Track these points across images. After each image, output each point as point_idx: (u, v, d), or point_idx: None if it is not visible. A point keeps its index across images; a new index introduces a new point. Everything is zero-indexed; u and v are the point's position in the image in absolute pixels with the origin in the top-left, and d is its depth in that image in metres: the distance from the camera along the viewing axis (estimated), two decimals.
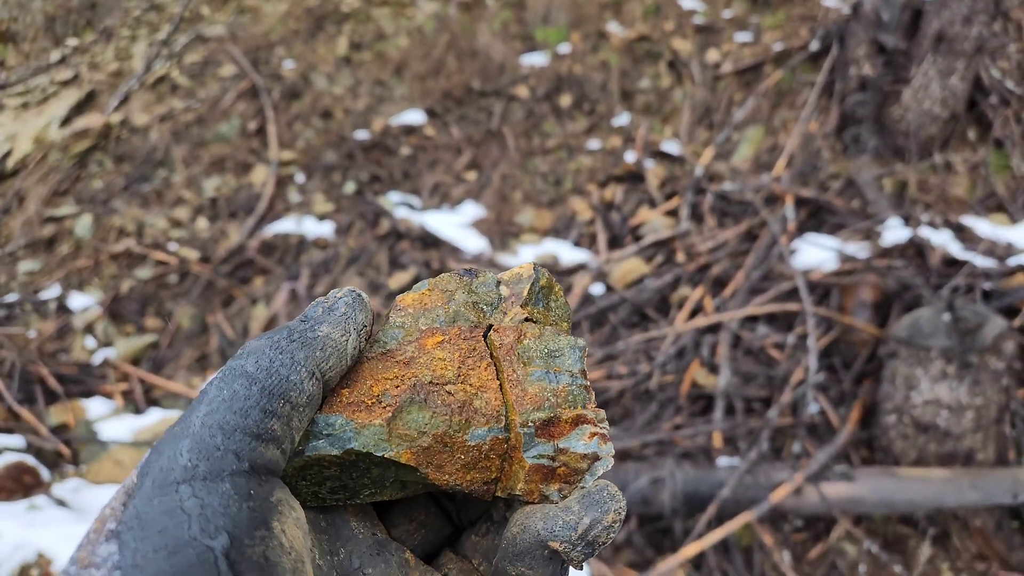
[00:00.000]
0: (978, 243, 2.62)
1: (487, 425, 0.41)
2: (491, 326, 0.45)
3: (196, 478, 0.31)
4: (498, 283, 0.47)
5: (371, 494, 0.42)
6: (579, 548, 0.38)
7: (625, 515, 0.39)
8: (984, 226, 2.75)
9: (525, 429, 0.41)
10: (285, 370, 0.36)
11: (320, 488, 0.40)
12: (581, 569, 0.40)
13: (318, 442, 0.39)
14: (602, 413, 0.43)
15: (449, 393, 0.41)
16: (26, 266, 3.38)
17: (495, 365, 0.44)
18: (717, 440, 2.09)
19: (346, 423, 0.39)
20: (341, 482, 0.41)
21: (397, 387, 0.41)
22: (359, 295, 0.42)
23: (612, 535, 0.38)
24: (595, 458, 0.41)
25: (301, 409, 0.36)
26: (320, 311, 0.40)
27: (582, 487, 0.41)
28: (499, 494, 0.42)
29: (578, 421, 0.42)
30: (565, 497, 0.41)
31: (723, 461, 2.01)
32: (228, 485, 0.31)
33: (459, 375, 0.42)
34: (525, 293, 0.46)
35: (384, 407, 0.40)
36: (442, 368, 0.42)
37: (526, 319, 0.45)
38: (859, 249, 2.58)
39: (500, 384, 0.43)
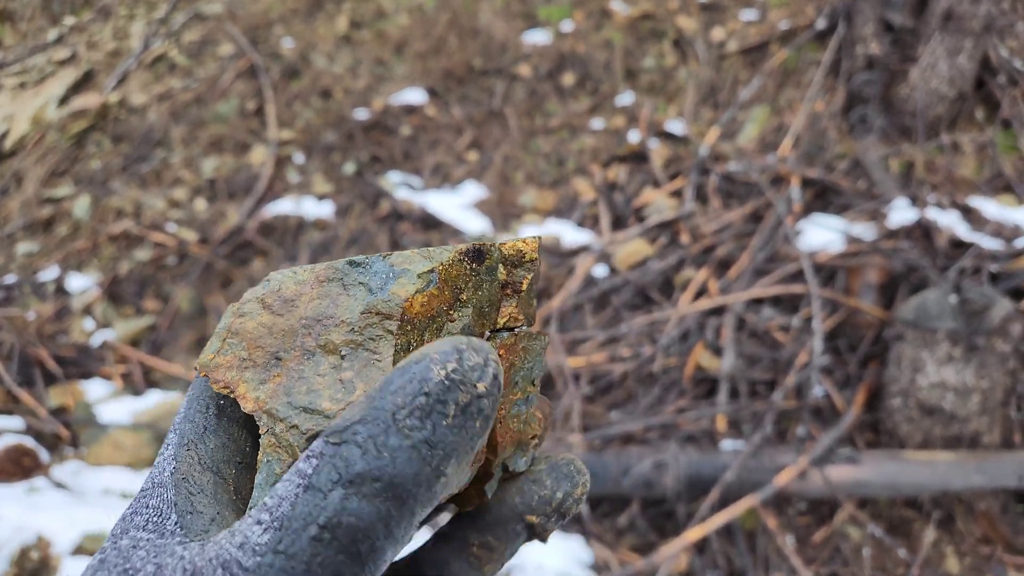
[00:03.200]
0: (985, 224, 2.59)
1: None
2: (488, 335, 0.38)
3: None
4: (499, 264, 0.40)
5: None
6: (552, 520, 0.38)
7: (588, 485, 0.39)
8: (991, 207, 2.72)
9: (498, 471, 0.38)
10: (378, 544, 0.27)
11: None
12: (546, 543, 0.40)
13: None
14: (542, 420, 0.40)
15: None
16: (24, 248, 3.36)
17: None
18: (721, 423, 2.08)
19: None
20: None
21: None
22: (499, 381, 0.29)
23: (580, 506, 0.39)
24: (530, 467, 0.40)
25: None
26: (451, 417, 0.27)
27: (546, 457, 0.40)
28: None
29: (531, 440, 0.39)
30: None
31: (727, 444, 1.99)
32: None
33: None
34: (524, 286, 0.39)
35: None
36: None
37: (514, 325, 0.39)
38: (865, 230, 2.55)
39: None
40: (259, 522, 0.26)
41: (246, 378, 0.35)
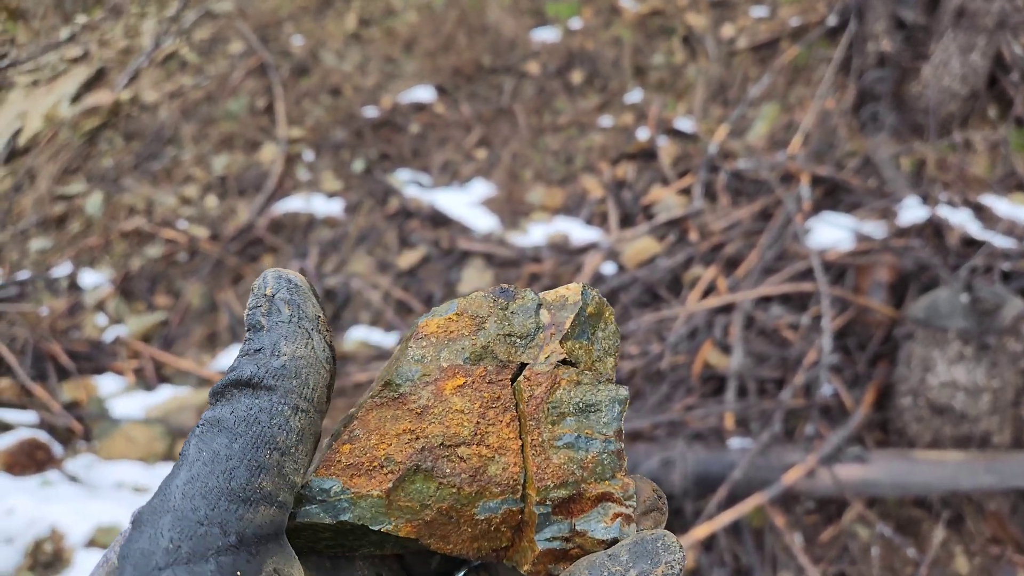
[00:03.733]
0: (997, 223, 2.57)
1: (501, 496, 0.37)
2: (523, 366, 0.40)
3: (179, 561, 0.28)
4: (538, 306, 0.41)
5: (370, 551, 0.38)
6: None
7: (681, 569, 0.34)
8: (1003, 205, 2.70)
9: (541, 508, 0.37)
10: (266, 415, 0.32)
11: (316, 544, 0.37)
12: None
13: (311, 507, 0.36)
14: (631, 487, 0.38)
15: (461, 459, 0.37)
16: (38, 244, 3.39)
17: (519, 420, 0.38)
18: (729, 421, 2.08)
19: (342, 490, 0.36)
20: (337, 541, 0.37)
21: (403, 450, 0.36)
22: (288, 278, 0.37)
23: None
24: (614, 543, 0.37)
25: (293, 451, 0.33)
26: (264, 321, 0.35)
27: (638, 531, 0.37)
28: (506, 562, 0.39)
29: (602, 498, 0.38)
30: None
31: (735, 442, 1.99)
32: (213, 566, 0.29)
33: (476, 433, 0.37)
34: (568, 325, 0.40)
35: (386, 474, 0.36)
36: (458, 424, 0.37)
37: (563, 360, 0.39)
38: (875, 228, 2.54)
39: (522, 445, 0.38)
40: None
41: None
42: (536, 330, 0.40)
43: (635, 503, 0.38)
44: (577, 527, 0.37)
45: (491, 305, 0.40)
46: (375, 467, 0.36)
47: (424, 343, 0.39)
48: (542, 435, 0.38)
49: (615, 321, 0.43)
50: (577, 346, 0.40)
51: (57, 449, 2.21)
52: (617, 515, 0.37)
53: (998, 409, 1.94)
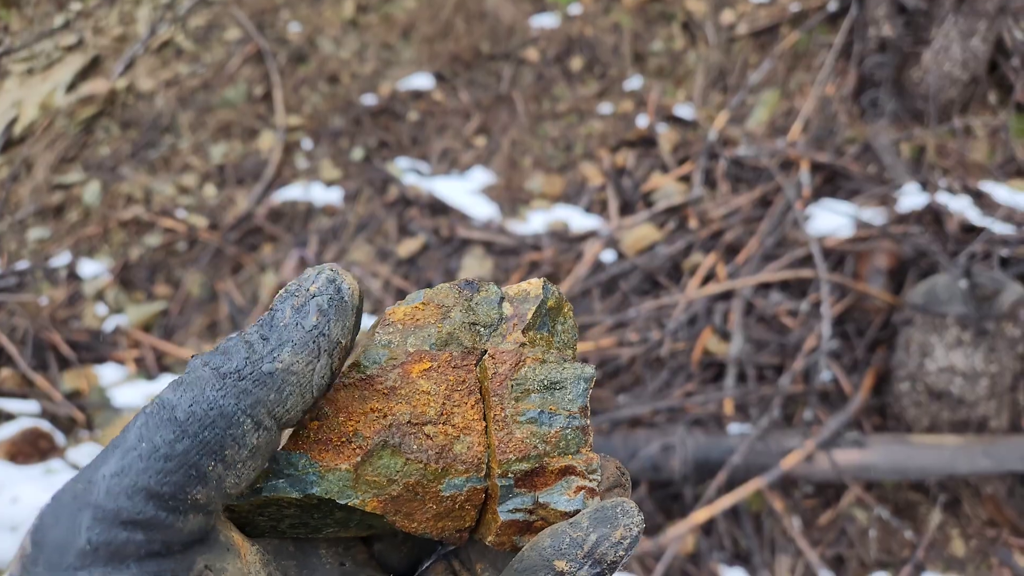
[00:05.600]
0: (996, 209, 2.57)
1: (466, 474, 0.38)
2: (485, 352, 0.40)
3: (96, 563, 0.26)
4: (501, 299, 0.42)
5: (334, 532, 0.38)
6: (585, 568, 0.34)
7: (639, 532, 0.35)
8: (1003, 192, 2.70)
9: (503, 480, 0.38)
10: (224, 420, 0.30)
11: (279, 523, 0.37)
12: None
13: (278, 481, 0.35)
14: (595, 461, 0.39)
15: (427, 436, 0.37)
16: (36, 233, 3.38)
17: (483, 401, 0.39)
18: (728, 407, 2.09)
19: (310, 464, 0.36)
20: (301, 520, 0.37)
21: (371, 426, 0.37)
22: (339, 288, 0.34)
23: (621, 552, 0.34)
24: (577, 514, 0.37)
25: (239, 466, 0.30)
26: (288, 315, 0.33)
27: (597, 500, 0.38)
28: (473, 536, 0.40)
29: (565, 472, 0.38)
30: None
31: (734, 428, 2.00)
32: (135, 570, 0.27)
33: (442, 413, 0.38)
34: (530, 316, 0.41)
35: (354, 449, 0.36)
36: (424, 404, 0.38)
37: (523, 345, 0.41)
38: (875, 215, 2.54)
39: (486, 426, 0.39)
40: None
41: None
42: (499, 320, 0.41)
43: (599, 477, 0.39)
44: (540, 499, 0.38)
45: (456, 296, 0.42)
46: (343, 442, 0.37)
47: (391, 329, 0.40)
48: (505, 410, 0.38)
49: (574, 316, 0.44)
50: (538, 337, 0.41)
51: (60, 438, 2.21)
52: (580, 488, 0.38)
53: (995, 394, 1.95)
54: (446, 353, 0.40)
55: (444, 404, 0.38)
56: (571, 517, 0.37)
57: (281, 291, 0.35)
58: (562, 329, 0.43)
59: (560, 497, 0.38)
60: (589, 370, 0.40)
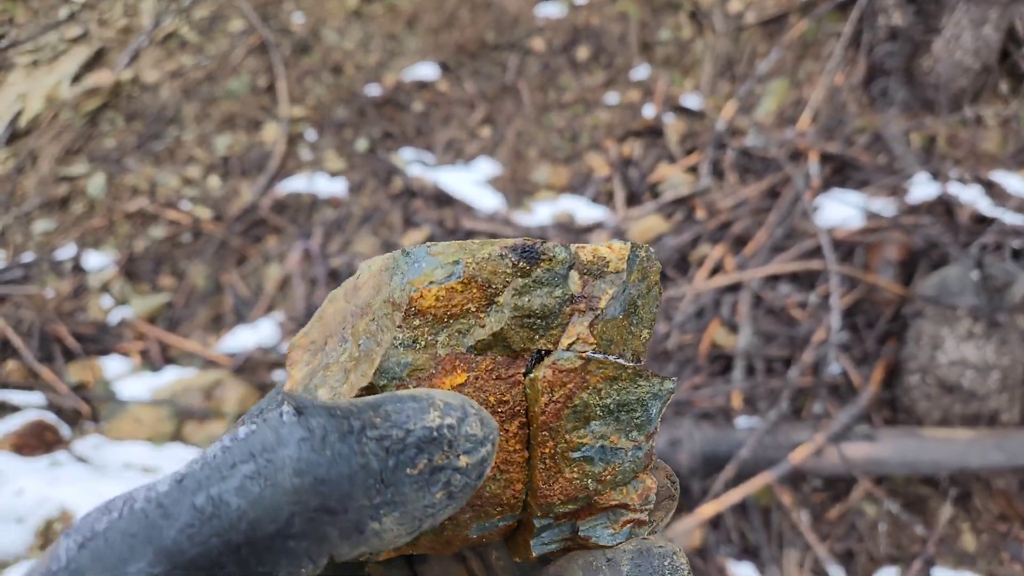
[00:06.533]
0: (1008, 199, 2.54)
1: (499, 516, 0.32)
2: (540, 354, 0.31)
3: None
4: (569, 268, 0.32)
5: (366, 561, 0.33)
6: None
7: None
8: (1015, 182, 2.66)
9: (541, 521, 0.32)
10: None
11: None
12: None
13: None
14: (652, 491, 0.32)
15: None
16: (41, 226, 3.38)
17: (529, 426, 0.31)
18: (736, 400, 2.07)
19: None
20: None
21: None
22: (483, 471, 0.26)
23: None
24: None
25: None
26: (415, 471, 0.24)
27: (643, 540, 0.32)
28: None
29: (617, 507, 0.32)
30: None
31: (742, 421, 1.98)
32: None
33: None
34: (604, 301, 0.31)
35: None
36: None
37: (592, 354, 0.31)
38: (885, 206, 2.51)
39: (528, 456, 0.31)
40: (175, 474, 0.24)
41: (304, 359, 0.32)
42: (562, 303, 0.31)
43: (652, 506, 0.33)
44: (580, 532, 0.32)
45: (508, 270, 0.30)
46: None
47: (417, 322, 0.29)
48: (556, 445, 0.31)
49: (660, 283, 0.35)
50: (612, 326, 0.32)
51: (65, 430, 2.21)
52: (628, 522, 0.32)
53: (1007, 387, 1.92)
54: (487, 359, 0.30)
55: None
56: (610, 547, 0.32)
57: (433, 421, 0.25)
58: (643, 304, 0.33)
59: (604, 532, 0.32)
60: (669, 385, 0.32)
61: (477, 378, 0.30)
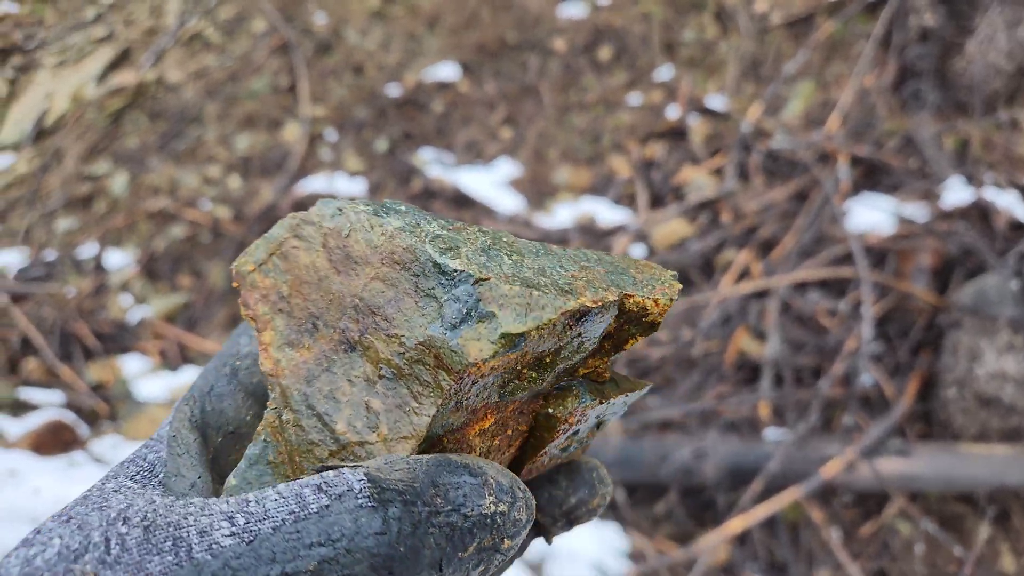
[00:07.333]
0: None
1: None
2: (555, 388, 0.32)
3: None
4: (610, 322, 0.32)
5: None
6: (560, 524, 0.36)
7: (611, 499, 0.33)
8: None
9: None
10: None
11: None
12: (550, 544, 0.38)
13: None
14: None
15: None
16: (64, 224, 3.40)
17: (527, 441, 0.32)
18: (764, 411, 2.01)
19: None
20: None
21: None
22: (520, 540, 0.28)
23: (592, 518, 0.37)
24: None
25: None
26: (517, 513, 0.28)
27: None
28: None
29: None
30: None
31: (770, 433, 1.93)
32: None
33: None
34: (628, 346, 0.33)
35: None
36: None
37: (597, 378, 0.32)
38: (918, 211, 2.44)
39: (517, 456, 0.33)
40: (231, 520, 0.24)
41: (276, 326, 0.30)
42: (597, 349, 0.32)
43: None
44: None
45: (562, 333, 0.29)
46: None
47: (469, 382, 0.28)
48: (548, 454, 0.34)
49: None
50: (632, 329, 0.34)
51: (83, 430, 2.21)
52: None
53: None
54: (515, 402, 0.30)
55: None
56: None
57: (490, 507, 0.26)
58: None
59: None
60: (639, 392, 0.35)
61: (503, 419, 0.31)
